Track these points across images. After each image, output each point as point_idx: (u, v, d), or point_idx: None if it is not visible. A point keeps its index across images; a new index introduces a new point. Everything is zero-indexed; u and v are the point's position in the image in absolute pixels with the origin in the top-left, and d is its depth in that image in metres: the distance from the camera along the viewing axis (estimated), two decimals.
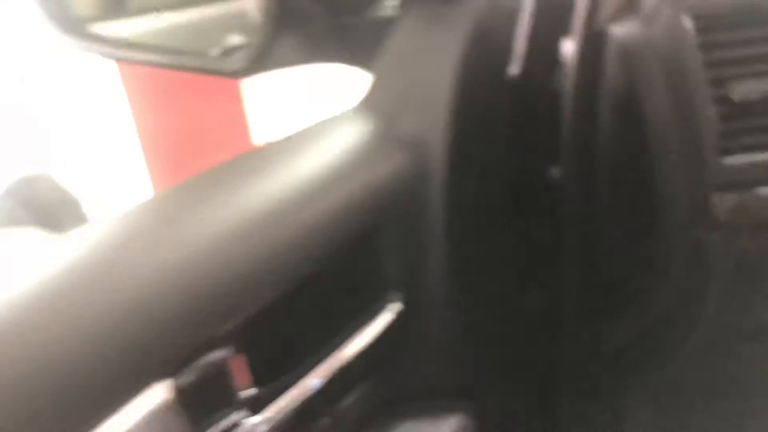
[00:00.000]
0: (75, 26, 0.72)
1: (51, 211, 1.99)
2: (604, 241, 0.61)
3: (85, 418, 0.35)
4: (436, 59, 0.56)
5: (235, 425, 0.43)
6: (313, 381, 0.48)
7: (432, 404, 0.61)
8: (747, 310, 0.63)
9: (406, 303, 0.55)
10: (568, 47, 0.56)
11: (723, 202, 0.56)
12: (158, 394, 0.37)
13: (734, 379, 0.77)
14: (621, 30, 0.56)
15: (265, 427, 0.44)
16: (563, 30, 0.56)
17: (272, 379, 0.46)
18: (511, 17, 0.57)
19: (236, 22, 0.72)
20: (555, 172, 0.59)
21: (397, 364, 0.57)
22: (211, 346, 0.41)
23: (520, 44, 0.56)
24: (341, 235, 0.50)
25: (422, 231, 0.55)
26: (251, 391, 0.44)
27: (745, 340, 0.66)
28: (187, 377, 0.39)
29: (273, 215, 0.46)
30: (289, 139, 0.56)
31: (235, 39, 0.67)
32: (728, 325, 0.65)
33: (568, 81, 0.55)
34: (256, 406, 0.44)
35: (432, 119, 0.55)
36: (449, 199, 0.55)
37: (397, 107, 0.57)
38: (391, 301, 0.55)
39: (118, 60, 1.65)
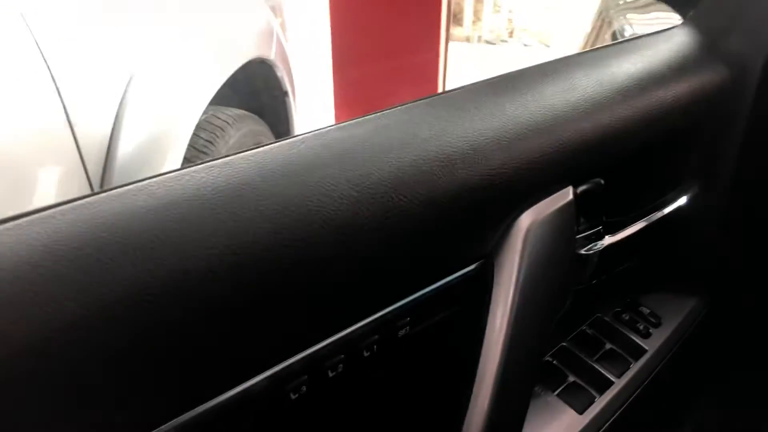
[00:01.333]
0: None
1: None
2: None
3: None
4: None
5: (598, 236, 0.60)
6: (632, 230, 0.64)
7: (682, 285, 0.81)
8: None
9: (702, 188, 0.70)
10: None
11: None
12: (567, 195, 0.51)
13: None
14: None
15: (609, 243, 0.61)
16: None
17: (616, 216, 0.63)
18: None
19: None
20: None
21: (684, 240, 0.74)
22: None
23: None
24: (659, 129, 0.59)
25: (726, 136, 0.67)
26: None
27: None
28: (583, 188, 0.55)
29: (598, 104, 0.53)
30: (611, 47, 0.63)
31: None
32: None
33: None
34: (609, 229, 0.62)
35: (759, 43, 0.63)
36: (752, 118, 0.66)
37: (725, 26, 0.65)
38: (690, 185, 0.70)
39: None
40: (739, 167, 0.69)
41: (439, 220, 0.43)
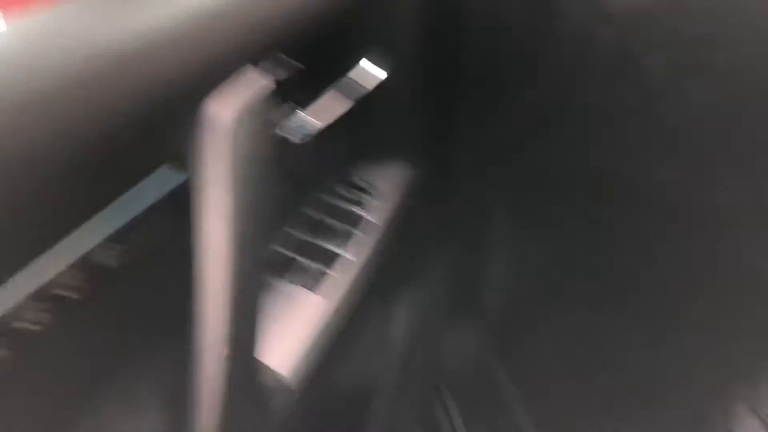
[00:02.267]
0: None
1: None
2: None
3: None
4: None
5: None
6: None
7: (391, 154, 0.83)
8: None
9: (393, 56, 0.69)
10: None
11: None
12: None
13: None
14: None
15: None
16: None
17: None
18: None
19: None
20: None
21: (377, 112, 0.75)
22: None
23: None
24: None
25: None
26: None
27: None
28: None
29: None
30: None
31: None
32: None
33: None
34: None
35: None
36: None
37: None
38: (369, 59, 0.69)
39: None
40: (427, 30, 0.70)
41: (118, 124, 0.37)
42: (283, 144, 0.57)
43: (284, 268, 0.69)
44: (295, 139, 0.59)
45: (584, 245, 0.80)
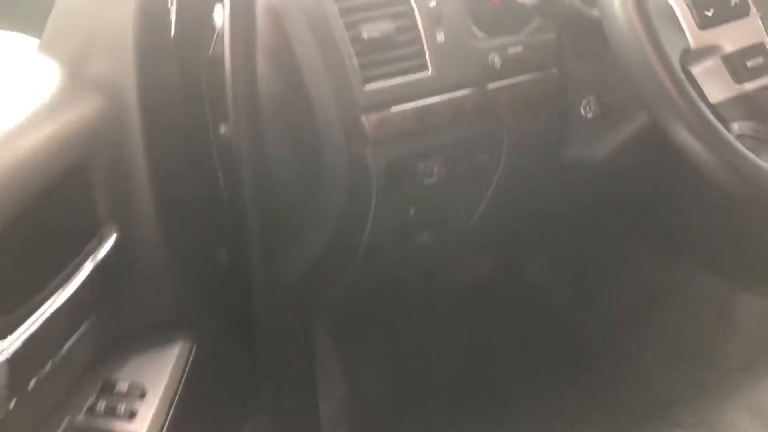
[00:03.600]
0: None
1: None
2: (276, 183, 0.73)
3: None
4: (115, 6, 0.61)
5: None
6: (39, 319, 0.51)
7: (158, 336, 0.68)
8: (399, 207, 0.79)
9: (121, 237, 0.60)
10: (219, 14, 0.64)
11: (370, 122, 0.70)
12: None
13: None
14: None
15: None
16: None
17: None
18: None
19: None
20: (224, 128, 0.69)
21: (120, 299, 0.63)
22: None
23: (173, 11, 0.63)
24: (45, 174, 0.52)
25: (127, 166, 0.61)
26: None
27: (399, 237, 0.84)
28: None
29: None
30: None
31: None
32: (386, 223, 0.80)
33: (224, 45, 0.63)
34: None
35: (124, 64, 0.60)
36: (146, 139, 0.61)
37: (82, 52, 0.61)
38: (107, 234, 0.60)
39: None
40: (157, 195, 0.64)
41: None
42: None
43: None
44: None
45: None
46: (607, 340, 1.13)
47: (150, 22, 0.62)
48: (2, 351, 0.47)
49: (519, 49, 0.75)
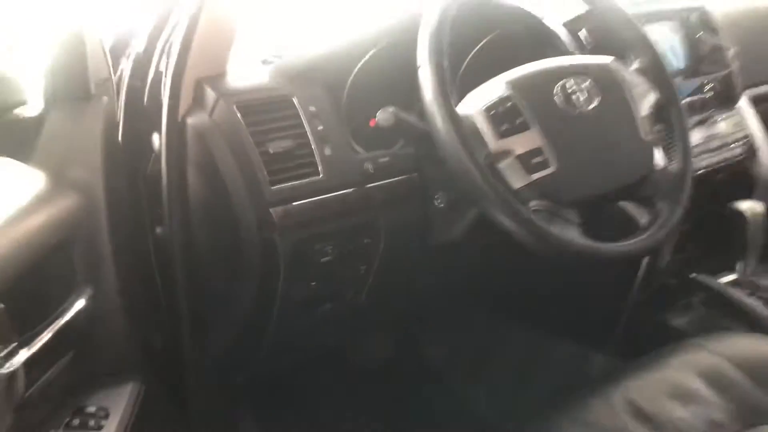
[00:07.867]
0: None
1: None
2: (202, 271, 0.96)
3: None
4: (86, 135, 0.85)
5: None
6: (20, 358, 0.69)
7: (116, 377, 0.90)
8: (302, 281, 1.00)
9: (93, 295, 0.83)
10: (157, 138, 0.89)
11: (277, 213, 0.91)
12: None
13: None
14: (194, 120, 0.91)
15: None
16: (154, 125, 0.89)
17: None
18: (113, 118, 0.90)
19: None
20: (159, 230, 0.94)
21: (91, 343, 0.84)
22: None
23: (121, 137, 0.88)
24: (38, 249, 0.74)
25: (97, 245, 0.85)
26: None
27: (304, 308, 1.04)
28: None
29: None
30: None
31: None
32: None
33: (161, 163, 0.88)
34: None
35: (95, 170, 0.85)
36: (110, 227, 0.86)
37: (64, 161, 0.85)
38: (83, 293, 0.83)
39: None
40: (119, 262, 0.88)
41: None
42: None
43: None
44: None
45: None
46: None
47: (111, 143, 0.86)
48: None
49: (387, 159, 1.01)
